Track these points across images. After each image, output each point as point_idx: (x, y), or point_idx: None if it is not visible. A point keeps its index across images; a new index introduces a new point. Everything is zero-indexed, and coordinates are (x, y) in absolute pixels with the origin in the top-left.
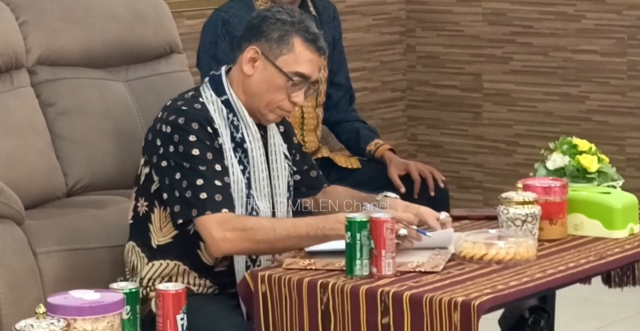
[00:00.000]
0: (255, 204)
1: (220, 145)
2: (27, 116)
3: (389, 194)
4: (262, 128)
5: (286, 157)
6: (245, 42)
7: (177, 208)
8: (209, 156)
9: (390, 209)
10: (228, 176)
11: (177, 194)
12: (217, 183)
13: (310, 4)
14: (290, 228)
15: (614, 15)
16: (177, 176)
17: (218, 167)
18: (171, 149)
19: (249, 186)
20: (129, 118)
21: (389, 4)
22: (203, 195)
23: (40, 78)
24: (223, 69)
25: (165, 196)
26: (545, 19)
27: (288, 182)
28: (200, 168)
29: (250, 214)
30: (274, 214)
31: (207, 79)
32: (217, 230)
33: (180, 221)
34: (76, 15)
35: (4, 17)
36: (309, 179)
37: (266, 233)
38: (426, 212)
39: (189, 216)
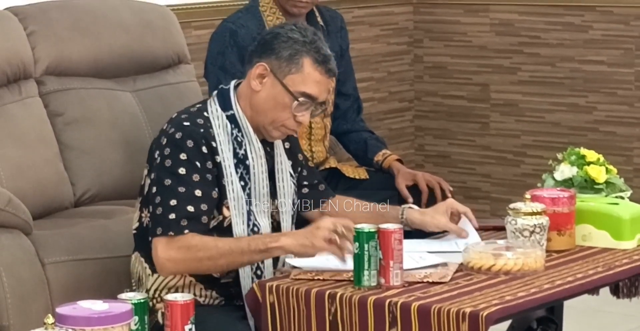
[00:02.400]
0: (256, 220)
1: (219, 163)
2: (35, 126)
3: (412, 206)
4: (269, 145)
5: (291, 175)
6: (256, 57)
7: (150, 224)
8: (195, 177)
9: (420, 219)
10: (207, 202)
11: (150, 209)
12: (190, 208)
13: (317, 14)
14: (232, 243)
15: (622, 25)
16: (154, 190)
17: (198, 192)
18: (159, 161)
19: (249, 202)
20: (137, 128)
21: (397, 15)
22: (172, 216)
23: (48, 88)
24: (232, 83)
25: None
26: (553, 30)
27: (293, 200)
28: (180, 189)
29: (252, 230)
30: (278, 230)
31: (215, 92)
32: (163, 250)
33: (150, 238)
34: (84, 26)
35: (13, 27)
36: (318, 193)
37: (208, 249)
38: (455, 203)
39: (154, 234)
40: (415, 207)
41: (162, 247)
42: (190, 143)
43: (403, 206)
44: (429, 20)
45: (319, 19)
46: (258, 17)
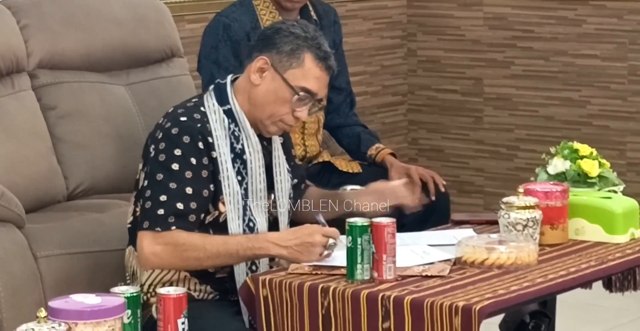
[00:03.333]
0: (252, 216)
1: (215, 158)
2: (28, 120)
3: (352, 186)
4: (266, 140)
5: (287, 170)
6: (256, 51)
7: (139, 217)
8: (187, 174)
9: (359, 197)
10: (197, 200)
11: (140, 202)
12: (179, 205)
13: (311, 8)
14: (220, 246)
15: (615, 19)
16: (146, 183)
17: (189, 190)
18: (153, 155)
19: (245, 196)
20: (130, 122)
21: (390, 8)
22: (160, 211)
23: (41, 82)
24: (229, 78)
25: None
26: (546, 24)
27: (289, 194)
28: (171, 185)
29: (247, 225)
30: (274, 225)
31: (211, 87)
32: (149, 244)
33: (137, 231)
34: (77, 19)
35: (5, 20)
36: (297, 191)
37: (196, 250)
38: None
39: (141, 227)
40: (356, 187)
41: (147, 241)
42: (186, 139)
43: (341, 189)
44: (423, 14)
45: (312, 13)
46: (252, 11)
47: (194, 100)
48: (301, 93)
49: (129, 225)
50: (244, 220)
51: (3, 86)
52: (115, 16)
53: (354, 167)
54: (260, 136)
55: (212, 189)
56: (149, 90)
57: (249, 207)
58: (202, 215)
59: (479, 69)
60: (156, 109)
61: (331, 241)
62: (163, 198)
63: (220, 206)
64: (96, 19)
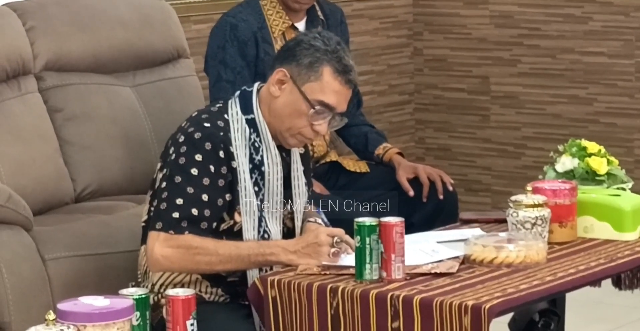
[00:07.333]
0: (267, 227)
1: (235, 168)
2: (35, 122)
3: (318, 220)
4: (286, 151)
5: (305, 182)
6: (278, 63)
7: (152, 216)
8: (205, 181)
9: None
10: (211, 209)
11: (155, 202)
12: (194, 211)
13: (318, 8)
14: (232, 250)
15: (622, 16)
16: (164, 185)
17: (205, 197)
18: (174, 158)
19: (262, 207)
20: (137, 123)
21: (396, 7)
22: (175, 214)
23: (47, 84)
24: (255, 86)
25: None
26: (553, 21)
27: (305, 207)
28: (188, 189)
29: (262, 236)
30: (289, 236)
31: (237, 93)
32: (160, 246)
33: (149, 230)
34: (83, 21)
35: (11, 23)
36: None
37: (208, 253)
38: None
39: (154, 227)
40: (320, 221)
41: (159, 243)
42: (208, 146)
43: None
44: (429, 12)
45: (319, 13)
46: (258, 12)
47: (218, 105)
48: (317, 107)
49: (143, 224)
50: (259, 231)
51: (10, 88)
52: (121, 17)
53: (362, 167)
54: (280, 147)
55: (228, 198)
56: (155, 91)
57: (265, 218)
58: (214, 224)
59: (486, 67)
60: (163, 110)
61: (337, 238)
62: (179, 201)
63: (236, 215)
64: (102, 21)
